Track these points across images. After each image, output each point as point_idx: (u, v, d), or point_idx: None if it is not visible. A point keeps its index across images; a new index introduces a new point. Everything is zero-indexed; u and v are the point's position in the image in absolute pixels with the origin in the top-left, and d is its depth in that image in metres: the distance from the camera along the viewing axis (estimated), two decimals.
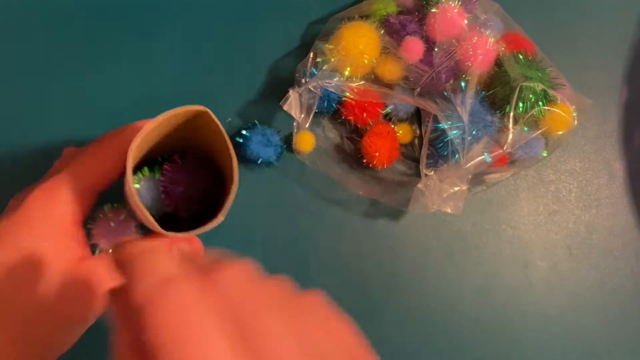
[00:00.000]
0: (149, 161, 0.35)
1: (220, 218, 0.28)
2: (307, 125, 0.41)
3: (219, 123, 0.29)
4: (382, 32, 0.41)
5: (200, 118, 0.30)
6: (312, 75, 0.40)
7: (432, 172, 0.40)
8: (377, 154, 0.42)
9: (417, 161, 0.45)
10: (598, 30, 0.42)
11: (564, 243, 0.46)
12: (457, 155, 0.39)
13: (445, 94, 0.40)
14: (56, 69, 0.45)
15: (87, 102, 0.44)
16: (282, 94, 0.41)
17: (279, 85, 0.45)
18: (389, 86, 0.41)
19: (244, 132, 0.43)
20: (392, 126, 0.44)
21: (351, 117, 0.43)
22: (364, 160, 0.43)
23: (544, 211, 0.46)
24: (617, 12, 0.49)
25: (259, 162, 0.43)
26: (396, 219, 0.45)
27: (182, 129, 0.31)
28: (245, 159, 0.43)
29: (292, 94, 0.40)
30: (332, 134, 0.45)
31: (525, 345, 0.44)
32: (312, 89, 0.39)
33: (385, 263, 0.44)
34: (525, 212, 0.46)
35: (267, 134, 0.43)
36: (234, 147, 0.43)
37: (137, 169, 0.34)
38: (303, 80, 0.40)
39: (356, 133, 0.45)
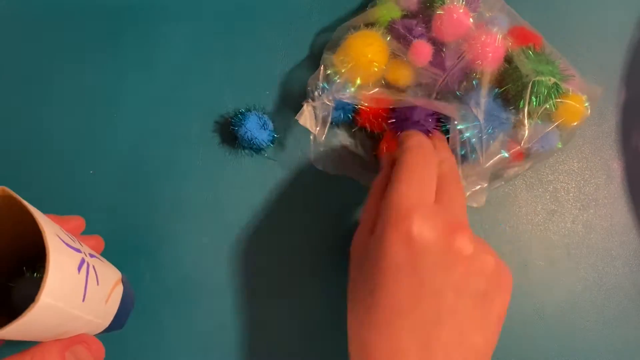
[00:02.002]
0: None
1: (40, 300, 0.23)
2: (323, 138, 0.41)
3: (22, 200, 0.26)
4: (389, 37, 0.41)
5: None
6: (324, 89, 0.40)
7: None
8: None
9: None
10: (597, 31, 0.42)
11: (563, 243, 0.46)
12: (474, 155, 0.39)
13: (458, 94, 0.40)
14: (56, 68, 0.45)
15: (87, 101, 0.45)
16: (291, 104, 0.41)
17: (291, 96, 0.46)
18: (402, 90, 0.41)
19: (242, 110, 0.44)
20: None
21: (366, 124, 0.43)
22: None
23: (543, 211, 0.46)
24: (616, 12, 0.49)
25: (251, 142, 0.43)
26: None
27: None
28: (236, 142, 0.44)
29: (306, 108, 0.40)
30: (349, 143, 0.45)
31: (524, 345, 0.44)
32: (326, 101, 0.40)
33: None
34: (524, 212, 0.46)
35: (263, 118, 0.43)
36: (229, 127, 0.43)
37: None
38: (316, 94, 0.40)
39: (372, 139, 0.45)
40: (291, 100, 0.46)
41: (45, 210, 0.43)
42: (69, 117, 0.44)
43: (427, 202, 0.32)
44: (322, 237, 0.44)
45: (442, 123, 0.41)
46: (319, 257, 0.44)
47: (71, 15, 0.46)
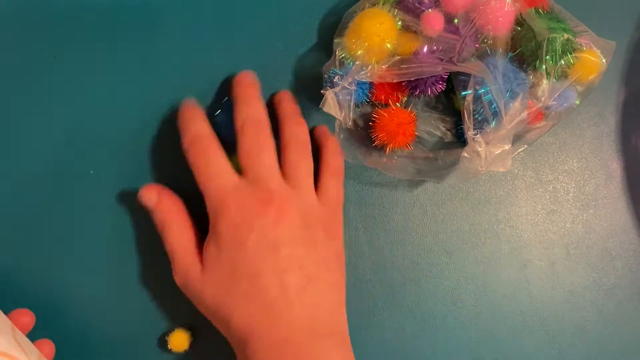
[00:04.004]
0: None
1: None
2: (350, 123, 0.41)
3: None
4: (396, 11, 0.41)
5: None
6: (340, 74, 0.40)
7: (479, 137, 0.40)
8: (385, 139, 0.43)
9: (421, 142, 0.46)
10: (595, 31, 0.42)
11: (562, 242, 0.46)
12: (493, 120, 0.39)
13: (472, 59, 0.40)
14: (56, 68, 0.45)
15: (86, 101, 0.45)
16: (306, 93, 0.41)
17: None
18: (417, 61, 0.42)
19: (220, 109, 0.44)
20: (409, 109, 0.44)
21: (382, 97, 0.44)
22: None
23: (542, 211, 0.46)
24: (615, 12, 0.49)
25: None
26: (395, 218, 0.45)
27: None
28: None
29: (329, 95, 0.40)
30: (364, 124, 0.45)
31: (524, 344, 0.44)
32: (347, 86, 0.40)
33: (384, 262, 0.45)
34: (524, 212, 0.46)
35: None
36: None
37: None
38: (335, 79, 0.40)
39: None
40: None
41: (41, 211, 0.43)
42: (68, 116, 0.44)
43: (231, 185, 0.38)
44: None
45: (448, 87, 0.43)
46: None
47: (70, 15, 0.45)
